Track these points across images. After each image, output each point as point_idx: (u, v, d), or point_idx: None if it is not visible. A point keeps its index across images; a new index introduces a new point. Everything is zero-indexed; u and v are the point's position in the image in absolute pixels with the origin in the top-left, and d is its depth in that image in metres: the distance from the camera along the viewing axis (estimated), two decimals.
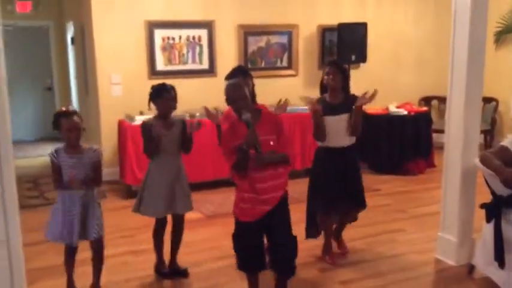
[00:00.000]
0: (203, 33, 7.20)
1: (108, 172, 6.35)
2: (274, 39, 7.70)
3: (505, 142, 3.71)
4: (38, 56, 10.20)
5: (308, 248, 4.42)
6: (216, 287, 3.95)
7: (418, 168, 7.29)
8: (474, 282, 3.98)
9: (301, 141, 6.86)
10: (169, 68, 7.08)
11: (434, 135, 7.61)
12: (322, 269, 4.23)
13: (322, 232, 4.37)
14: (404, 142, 7.27)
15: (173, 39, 7.06)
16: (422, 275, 4.13)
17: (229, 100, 3.25)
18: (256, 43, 7.59)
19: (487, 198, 3.78)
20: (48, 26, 10.11)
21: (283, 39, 7.75)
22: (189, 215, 4.14)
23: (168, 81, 4.07)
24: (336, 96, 4.15)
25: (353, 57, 7.61)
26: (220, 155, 3.47)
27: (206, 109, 4.00)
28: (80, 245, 3.61)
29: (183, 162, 4.00)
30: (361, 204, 4.36)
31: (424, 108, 7.97)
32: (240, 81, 3.28)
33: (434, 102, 8.90)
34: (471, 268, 4.03)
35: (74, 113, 3.55)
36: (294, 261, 3.41)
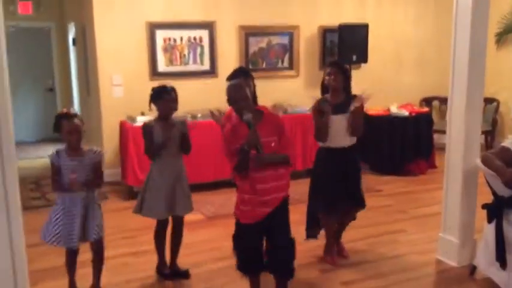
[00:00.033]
0: (204, 34, 7.21)
1: (110, 173, 6.37)
2: (275, 40, 7.71)
3: (506, 143, 3.71)
4: (40, 57, 10.21)
5: (309, 248, 4.43)
6: None
7: (419, 169, 7.28)
8: (476, 283, 3.98)
9: (302, 141, 6.86)
10: (171, 69, 7.09)
11: (435, 136, 7.61)
12: (323, 269, 4.24)
13: (324, 233, 4.38)
14: (405, 143, 7.27)
15: (174, 40, 7.06)
16: (423, 276, 4.13)
17: (230, 100, 3.25)
18: (257, 44, 7.60)
19: (489, 198, 3.78)
20: (49, 27, 10.12)
21: (284, 40, 7.76)
22: (189, 216, 4.15)
23: (169, 82, 4.07)
24: (337, 96, 4.15)
25: (354, 58, 7.62)
26: (221, 156, 3.47)
27: (211, 112, 4.00)
28: (81, 246, 3.62)
29: (184, 164, 4.00)
30: (361, 204, 4.35)
31: (425, 109, 7.97)
32: (241, 82, 3.28)
33: (435, 103, 8.89)
34: (473, 269, 4.03)
35: (75, 115, 3.55)
36: (293, 264, 3.41)
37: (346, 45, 7.60)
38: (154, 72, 6.98)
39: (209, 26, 7.21)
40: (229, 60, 7.30)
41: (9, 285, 2.84)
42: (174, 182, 3.89)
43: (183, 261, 4.16)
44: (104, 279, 3.87)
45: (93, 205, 3.58)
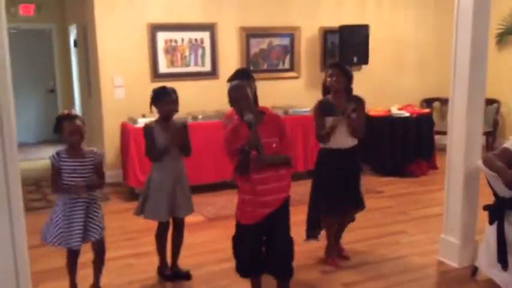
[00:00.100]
0: (205, 35, 7.22)
1: (111, 174, 6.37)
2: (276, 41, 7.71)
3: (507, 144, 3.71)
4: (41, 59, 10.22)
5: (310, 249, 4.43)
6: None
7: (420, 170, 7.28)
8: (477, 284, 3.97)
9: (303, 142, 6.86)
10: (172, 70, 7.10)
11: (436, 137, 7.61)
12: (324, 271, 4.23)
13: (324, 234, 4.38)
14: (406, 144, 7.27)
15: (176, 41, 7.07)
16: (424, 277, 4.13)
17: (231, 101, 3.25)
18: (258, 45, 7.60)
19: (490, 200, 3.78)
20: (50, 29, 10.14)
21: (285, 42, 7.76)
22: (190, 218, 4.15)
23: (171, 84, 4.08)
24: (339, 97, 4.15)
25: (355, 59, 7.62)
26: (222, 157, 3.47)
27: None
28: (82, 247, 3.62)
29: (184, 165, 4.00)
30: (359, 206, 4.35)
31: (426, 110, 7.96)
32: (242, 82, 3.28)
33: (436, 104, 8.89)
34: (474, 270, 4.02)
35: (76, 116, 3.56)
36: (292, 264, 3.41)
37: (347, 47, 7.60)
38: (155, 74, 6.98)
39: (210, 28, 7.22)
40: (230, 61, 7.31)
41: (11, 286, 2.85)
42: (174, 184, 3.89)
43: (184, 263, 4.16)
44: (106, 280, 3.87)
45: (94, 205, 3.59)
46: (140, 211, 3.95)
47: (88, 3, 6.93)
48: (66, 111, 3.63)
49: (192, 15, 7.13)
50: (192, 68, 7.23)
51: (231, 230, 3.44)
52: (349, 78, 4.17)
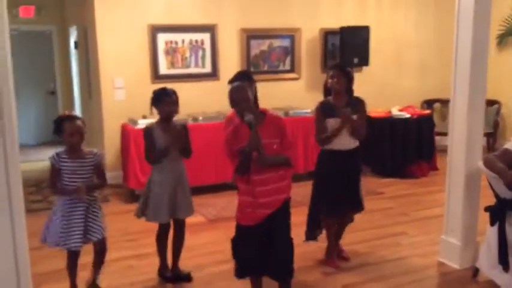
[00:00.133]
0: (206, 37, 7.22)
1: (111, 176, 6.36)
2: (277, 42, 7.71)
3: (508, 145, 3.70)
4: (41, 60, 10.22)
5: (310, 251, 4.43)
6: None
7: (420, 171, 7.28)
8: (478, 285, 3.97)
9: (303, 144, 6.86)
10: (172, 71, 7.10)
11: (436, 138, 7.61)
12: (324, 272, 4.23)
13: (324, 235, 4.37)
14: (407, 145, 7.26)
15: (176, 43, 7.07)
16: (425, 278, 4.12)
17: (232, 102, 3.25)
18: (259, 47, 7.61)
19: (491, 201, 3.78)
20: (51, 31, 10.14)
21: (286, 43, 7.76)
22: (190, 219, 4.14)
23: (171, 85, 4.08)
24: (340, 98, 4.15)
25: (355, 61, 7.62)
26: (223, 159, 3.47)
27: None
28: (82, 249, 3.62)
29: (184, 166, 4.00)
30: (357, 207, 4.34)
31: (427, 111, 7.96)
32: (243, 84, 3.28)
33: (437, 105, 8.89)
34: (475, 271, 4.02)
35: (77, 117, 3.57)
36: (292, 264, 3.41)
37: (347, 48, 7.61)
38: (156, 75, 6.98)
39: (211, 29, 7.22)
40: (230, 63, 7.31)
41: (12, 287, 2.84)
42: (175, 185, 3.89)
43: (184, 264, 4.16)
44: (106, 281, 3.88)
45: (94, 206, 3.59)
46: (141, 213, 3.95)
47: (88, 5, 6.93)
48: (66, 113, 3.64)
49: (192, 17, 7.13)
50: (192, 70, 7.23)
51: (232, 232, 3.43)
52: (350, 80, 4.17)
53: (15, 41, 8.86)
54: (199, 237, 4.92)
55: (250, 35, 7.50)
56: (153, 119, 4.05)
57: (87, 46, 7.53)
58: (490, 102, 8.15)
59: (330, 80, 4.15)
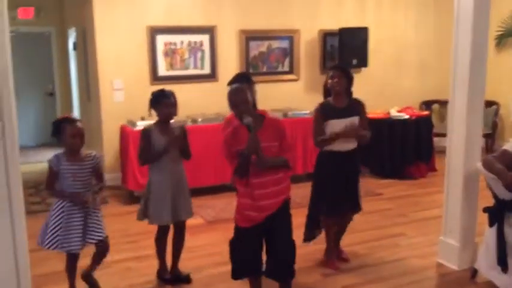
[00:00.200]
0: (205, 38, 7.22)
1: (110, 177, 6.37)
2: (276, 44, 7.72)
3: (507, 146, 3.71)
4: (40, 62, 10.22)
5: (309, 252, 4.43)
6: None
7: (419, 172, 7.28)
8: (477, 287, 3.97)
9: (302, 145, 6.87)
10: (171, 73, 7.10)
11: (435, 139, 7.62)
12: (324, 274, 4.23)
13: (324, 236, 4.38)
14: (405, 146, 7.27)
15: (175, 44, 7.07)
16: (424, 279, 4.13)
17: (231, 104, 3.25)
18: (258, 48, 7.61)
19: (490, 202, 3.78)
20: (50, 32, 10.13)
21: (285, 44, 7.77)
22: (189, 221, 4.14)
23: (170, 87, 4.08)
24: (340, 100, 4.16)
25: (354, 62, 7.63)
26: (222, 160, 3.47)
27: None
28: (82, 251, 3.62)
29: (184, 168, 4.00)
30: (356, 207, 4.35)
31: (425, 112, 7.97)
32: (242, 86, 3.28)
33: (435, 106, 8.90)
34: (474, 272, 4.02)
35: (77, 119, 3.58)
36: (293, 266, 3.41)
37: (346, 49, 7.62)
38: (155, 77, 6.98)
39: (210, 31, 7.23)
40: (229, 64, 7.32)
41: None
42: (175, 187, 3.89)
43: (183, 266, 4.16)
44: (107, 283, 3.88)
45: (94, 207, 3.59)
46: (143, 216, 3.94)
47: (87, 6, 6.93)
48: (66, 115, 3.64)
49: (191, 18, 7.14)
50: (191, 71, 7.23)
51: (231, 233, 3.44)
52: (350, 80, 4.18)
53: (14, 42, 8.86)
54: (198, 239, 4.92)
55: (249, 37, 7.50)
56: (152, 120, 4.05)
57: (86, 47, 7.53)
58: (489, 103, 8.16)
59: (329, 81, 4.15)
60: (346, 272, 4.26)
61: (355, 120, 4.09)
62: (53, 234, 3.48)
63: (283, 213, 3.35)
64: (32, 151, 9.52)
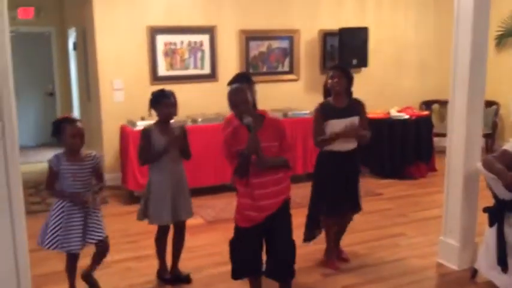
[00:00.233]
0: (205, 38, 7.23)
1: (110, 177, 6.37)
2: (276, 44, 7.72)
3: (507, 146, 3.71)
4: (40, 62, 10.22)
5: (309, 252, 4.43)
6: None
7: (419, 172, 7.29)
8: (477, 287, 3.97)
9: (302, 145, 6.87)
10: (171, 73, 7.10)
11: (435, 139, 7.62)
12: (323, 274, 4.23)
13: (324, 237, 4.38)
14: (405, 146, 7.27)
15: (175, 44, 7.07)
16: (424, 279, 4.13)
17: (231, 104, 3.25)
18: (258, 48, 7.61)
19: (489, 202, 3.78)
20: (50, 32, 10.13)
21: (285, 44, 7.77)
22: (189, 221, 4.14)
23: (170, 87, 4.08)
24: (340, 100, 4.15)
25: (354, 62, 7.63)
26: (222, 160, 3.47)
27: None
28: (82, 251, 3.62)
29: (184, 168, 4.00)
30: (356, 207, 4.35)
31: (425, 112, 7.97)
32: (242, 86, 3.28)
33: (435, 106, 8.90)
34: (474, 272, 4.03)
35: (77, 119, 3.58)
36: (293, 266, 3.42)
37: (346, 49, 7.62)
38: (155, 77, 6.98)
39: (210, 30, 7.23)
40: (229, 64, 7.32)
41: None
42: (175, 187, 3.89)
43: (183, 266, 4.16)
44: (107, 283, 3.88)
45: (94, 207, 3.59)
46: (143, 216, 3.94)
47: (87, 6, 6.93)
48: (66, 115, 3.64)
49: (191, 18, 7.14)
50: (191, 71, 7.23)
51: (231, 233, 3.44)
52: (350, 80, 4.18)
53: (14, 42, 8.86)
54: (198, 239, 4.92)
55: (249, 36, 7.50)
56: (152, 120, 4.05)
57: (86, 47, 7.53)
58: (489, 103, 8.16)
59: (330, 81, 4.15)
60: (346, 272, 4.26)
61: (355, 120, 4.09)
62: (53, 234, 3.48)
63: (283, 213, 3.35)
64: (32, 151, 9.52)
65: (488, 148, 8.33)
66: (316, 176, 4.31)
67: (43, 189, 6.68)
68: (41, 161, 8.07)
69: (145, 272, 4.24)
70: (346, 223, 4.43)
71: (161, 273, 4.12)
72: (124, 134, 6.51)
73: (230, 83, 3.35)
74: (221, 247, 4.54)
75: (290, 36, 7.77)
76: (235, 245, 3.41)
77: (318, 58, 8.03)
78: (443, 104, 8.16)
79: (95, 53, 6.79)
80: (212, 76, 7.31)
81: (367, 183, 6.32)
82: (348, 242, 4.60)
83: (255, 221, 3.28)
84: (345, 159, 4.14)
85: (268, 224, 3.29)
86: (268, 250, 3.39)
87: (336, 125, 4.05)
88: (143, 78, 6.92)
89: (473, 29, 3.95)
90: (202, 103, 7.00)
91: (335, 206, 4.18)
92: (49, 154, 3.61)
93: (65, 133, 3.46)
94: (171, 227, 4.04)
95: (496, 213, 3.67)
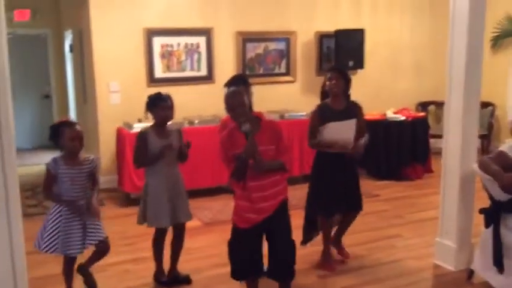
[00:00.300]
0: (201, 40, 7.23)
1: (107, 180, 6.37)
2: (272, 45, 7.73)
3: (503, 147, 3.72)
4: (36, 64, 10.19)
5: (307, 254, 4.43)
6: None
7: (415, 173, 7.30)
8: (473, 287, 3.98)
9: (299, 147, 6.87)
10: (168, 75, 7.10)
11: (431, 140, 7.63)
12: (321, 275, 4.24)
13: (321, 238, 4.38)
14: (401, 148, 7.29)
15: (172, 46, 7.07)
16: (420, 281, 4.14)
17: (228, 108, 3.26)
18: (254, 50, 7.62)
19: (486, 203, 3.80)
20: (46, 34, 10.11)
21: (281, 46, 7.78)
22: (187, 222, 4.14)
23: (167, 89, 4.09)
24: (338, 102, 4.16)
25: (350, 64, 7.66)
26: (219, 162, 3.47)
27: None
28: (78, 254, 3.62)
29: (180, 171, 4.00)
30: (357, 208, 4.35)
31: (422, 114, 8.00)
32: (239, 89, 3.29)
33: (431, 108, 8.92)
34: (470, 273, 4.04)
35: (76, 123, 3.58)
36: (293, 266, 3.42)
37: (342, 51, 7.65)
38: (151, 79, 6.98)
39: (206, 32, 7.23)
40: (226, 66, 7.32)
41: None
42: (172, 190, 3.88)
43: (181, 268, 4.16)
44: (104, 286, 3.88)
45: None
46: (143, 219, 3.94)
47: (84, 8, 6.93)
48: (64, 118, 3.63)
49: (188, 20, 7.14)
50: (188, 73, 7.23)
51: (228, 235, 3.44)
52: (348, 82, 4.18)
53: (10, 44, 8.85)
54: (195, 241, 4.92)
55: (245, 38, 7.51)
56: (149, 123, 4.05)
57: (83, 49, 7.52)
58: (484, 105, 8.17)
59: (327, 83, 4.16)
60: (342, 273, 4.27)
61: (352, 123, 4.07)
62: (51, 238, 3.47)
63: (281, 214, 3.36)
64: (28, 153, 9.49)
65: (484, 149, 8.35)
66: (313, 177, 4.31)
67: (40, 192, 6.69)
68: (37, 163, 8.06)
69: (143, 274, 4.24)
70: (348, 222, 4.43)
71: (158, 275, 4.11)
72: (120, 136, 6.50)
73: (227, 85, 3.35)
74: (219, 249, 4.55)
75: (286, 38, 7.78)
76: (234, 246, 3.41)
77: (314, 60, 8.04)
78: (440, 105, 8.16)
79: (91, 55, 6.79)
80: (209, 78, 7.31)
81: (363, 185, 6.25)
82: (345, 243, 4.60)
83: (253, 222, 3.29)
84: (342, 160, 4.14)
85: (266, 225, 3.30)
86: (268, 250, 3.40)
87: (333, 127, 4.04)
88: (140, 80, 6.91)
89: (469, 31, 3.96)
90: (199, 105, 7.00)
91: (332, 207, 4.19)
92: (45, 156, 3.60)
93: (64, 136, 3.45)
94: (170, 229, 4.04)
95: (492, 215, 3.68)
